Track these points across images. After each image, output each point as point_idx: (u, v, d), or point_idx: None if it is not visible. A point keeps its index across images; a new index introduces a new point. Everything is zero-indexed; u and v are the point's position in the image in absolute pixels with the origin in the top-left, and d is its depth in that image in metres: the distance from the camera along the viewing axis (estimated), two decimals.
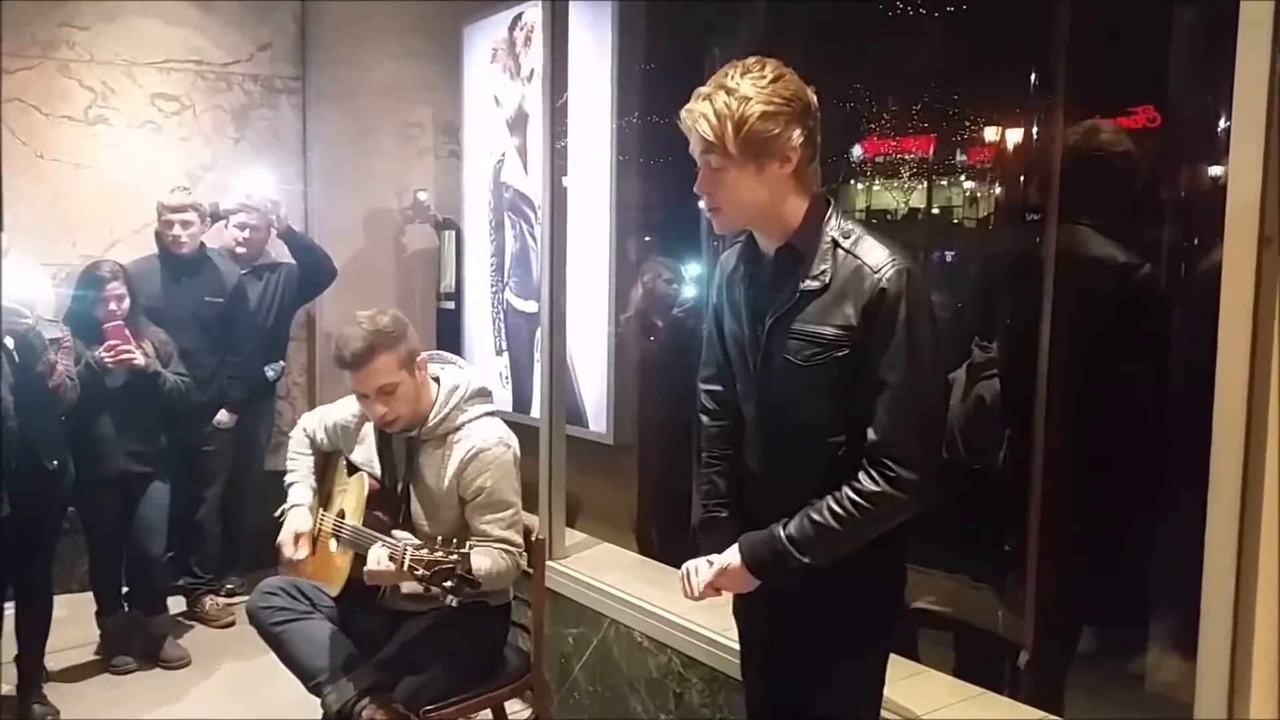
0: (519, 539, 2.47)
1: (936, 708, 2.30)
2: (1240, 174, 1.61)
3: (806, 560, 1.70)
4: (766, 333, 1.75)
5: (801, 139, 1.67)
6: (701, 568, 1.85)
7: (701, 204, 1.78)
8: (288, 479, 2.69)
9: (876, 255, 1.67)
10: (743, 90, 1.63)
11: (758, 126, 1.63)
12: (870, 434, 1.67)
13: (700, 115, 1.65)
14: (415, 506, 2.49)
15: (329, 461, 2.72)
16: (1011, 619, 2.63)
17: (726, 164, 1.66)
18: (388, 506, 2.52)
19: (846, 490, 1.67)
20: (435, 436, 2.48)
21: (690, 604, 2.77)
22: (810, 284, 1.70)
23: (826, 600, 1.75)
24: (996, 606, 2.68)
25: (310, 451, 2.71)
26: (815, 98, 1.70)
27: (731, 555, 1.80)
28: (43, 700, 3.30)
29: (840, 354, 1.67)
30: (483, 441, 2.45)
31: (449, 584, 2.13)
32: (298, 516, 2.59)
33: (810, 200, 1.73)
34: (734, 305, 1.85)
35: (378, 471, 2.56)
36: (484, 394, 2.57)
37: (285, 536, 2.55)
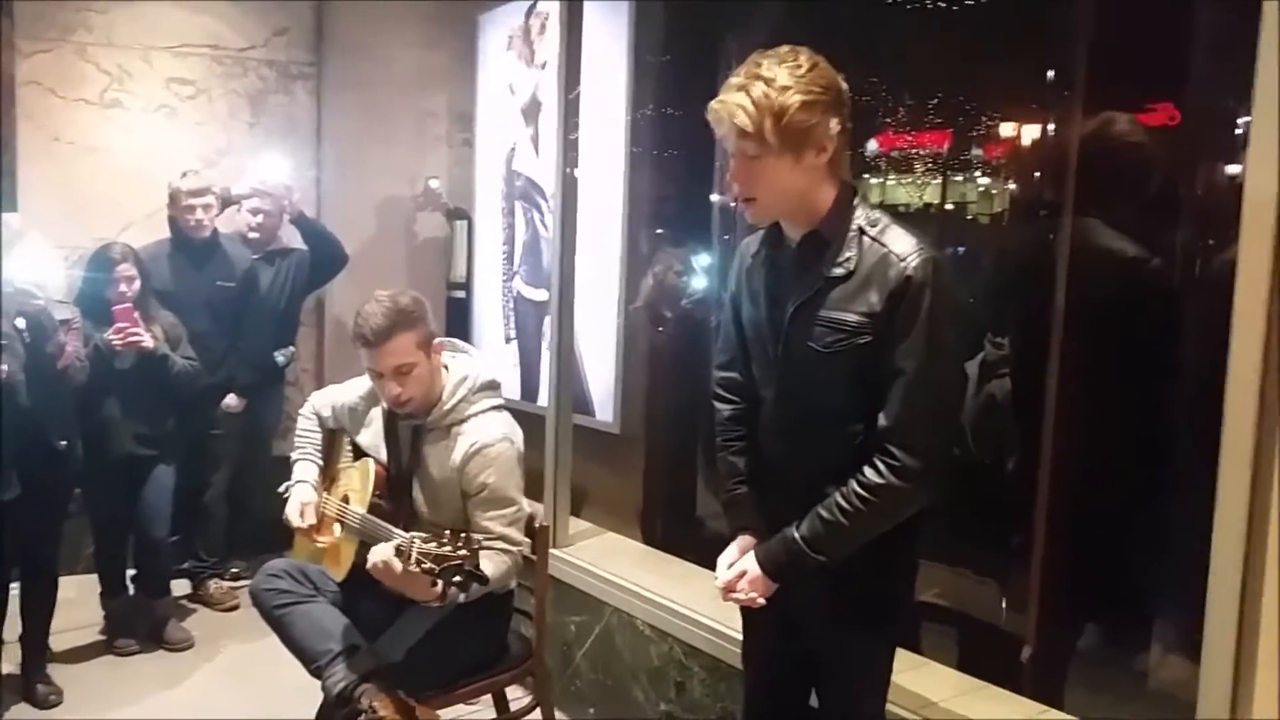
0: (520, 536, 2.46)
1: (939, 700, 2.29)
2: (1257, 169, 1.60)
3: (822, 558, 1.71)
4: (789, 319, 1.74)
5: (838, 128, 1.67)
6: (722, 573, 1.85)
7: (734, 195, 1.76)
8: (294, 455, 2.69)
9: (903, 244, 1.67)
10: (781, 80, 1.61)
11: (797, 117, 1.61)
12: (881, 419, 1.66)
13: (736, 105, 1.63)
14: (418, 494, 2.48)
15: (333, 441, 2.72)
16: (1015, 614, 2.62)
17: (764, 154, 1.64)
18: (393, 493, 2.52)
19: (853, 484, 1.68)
20: (440, 427, 2.47)
21: (692, 594, 2.79)
22: (835, 271, 1.69)
23: (838, 593, 1.75)
24: (1000, 601, 2.68)
25: (318, 429, 2.71)
26: (846, 86, 1.69)
27: (750, 562, 1.80)
28: (46, 680, 3.32)
29: (862, 341, 1.67)
30: (487, 436, 2.43)
31: (458, 579, 2.12)
32: (303, 490, 2.59)
33: (839, 188, 1.72)
34: (754, 292, 1.84)
35: (383, 456, 2.56)
36: (492, 386, 2.56)
37: (291, 509, 2.56)
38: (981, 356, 2.60)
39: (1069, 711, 2.31)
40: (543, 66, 3.93)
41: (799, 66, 1.63)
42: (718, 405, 1.97)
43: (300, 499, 2.57)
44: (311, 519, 2.56)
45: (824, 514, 1.70)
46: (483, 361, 2.66)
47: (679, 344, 3.63)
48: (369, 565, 2.25)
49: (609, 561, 3.26)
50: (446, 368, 2.52)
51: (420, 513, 2.47)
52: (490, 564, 2.31)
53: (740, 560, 1.83)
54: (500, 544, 2.38)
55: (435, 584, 2.16)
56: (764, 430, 1.86)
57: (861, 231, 1.70)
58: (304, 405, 2.78)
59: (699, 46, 3.49)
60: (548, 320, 3.58)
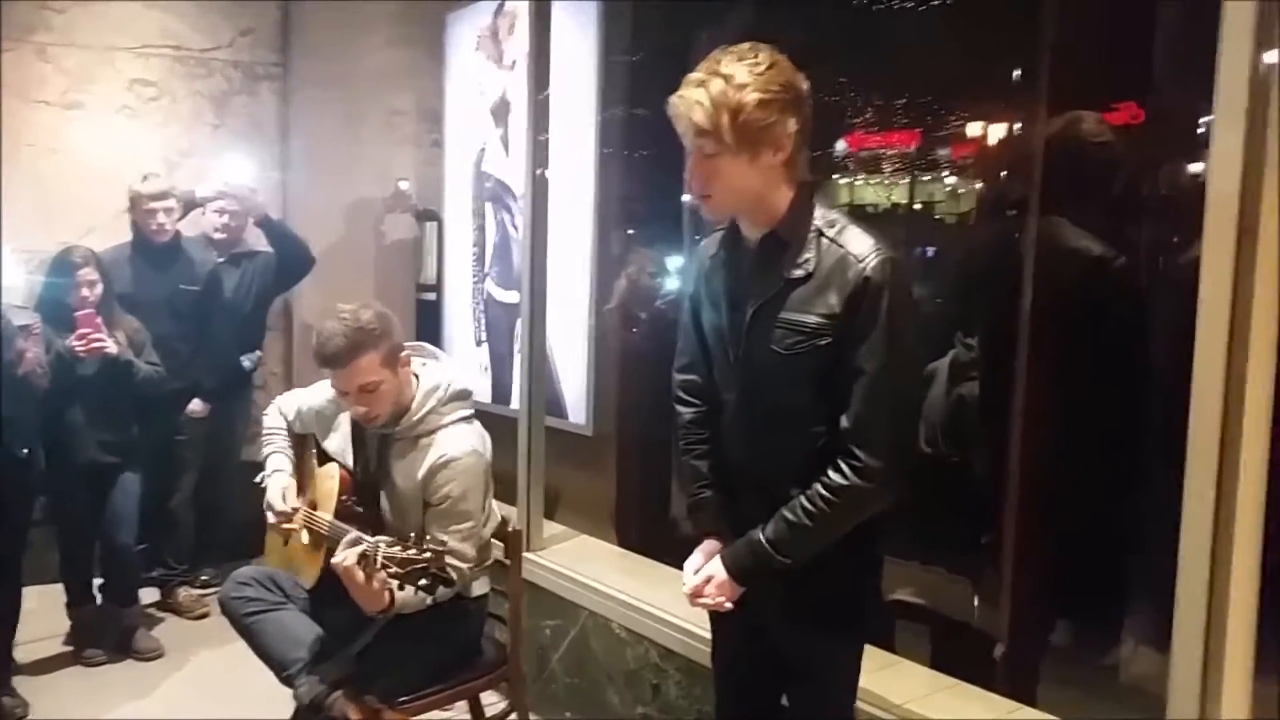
0: (473, 552, 2.41)
1: (912, 698, 2.30)
2: (1220, 167, 1.61)
3: (787, 560, 1.71)
4: (748, 321, 1.74)
5: (796, 128, 1.66)
6: (688, 578, 1.85)
7: (690, 191, 1.77)
8: (265, 450, 2.66)
9: (861, 244, 1.67)
10: (739, 77, 1.61)
11: (755, 115, 1.61)
12: (843, 421, 1.67)
13: (694, 102, 1.63)
14: (384, 502, 2.46)
15: (301, 444, 2.70)
16: (987, 611, 2.63)
17: (720, 151, 1.64)
18: (359, 500, 2.49)
19: (817, 486, 1.68)
20: (408, 437, 2.43)
21: (668, 596, 2.79)
22: (794, 272, 1.69)
23: (803, 593, 1.75)
24: (973, 598, 2.69)
25: (285, 427, 2.69)
26: (806, 85, 1.69)
27: (716, 566, 1.80)
28: (12, 692, 3.26)
29: (822, 342, 1.67)
30: (455, 450, 2.39)
31: (424, 583, 2.10)
32: (281, 477, 2.57)
33: (796, 188, 1.72)
34: (713, 294, 1.84)
35: (350, 462, 2.53)
36: (463, 396, 2.52)
37: (273, 494, 2.53)
38: (952, 355, 2.62)
39: (1042, 708, 2.32)
40: (511, 66, 3.91)
41: (758, 64, 1.63)
42: (679, 409, 1.96)
43: (280, 484, 2.55)
44: (295, 502, 2.53)
45: (789, 516, 1.70)
46: (454, 368, 2.62)
47: (652, 345, 3.63)
48: (332, 562, 2.22)
49: (583, 564, 3.25)
50: (417, 376, 2.49)
51: (386, 519, 2.45)
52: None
53: (706, 565, 1.83)
54: (451, 558, 2.33)
55: (402, 588, 2.15)
56: (726, 433, 1.85)
57: (820, 232, 1.70)
58: (269, 407, 2.75)
59: (668, 45, 3.48)
60: (519, 322, 3.56)
